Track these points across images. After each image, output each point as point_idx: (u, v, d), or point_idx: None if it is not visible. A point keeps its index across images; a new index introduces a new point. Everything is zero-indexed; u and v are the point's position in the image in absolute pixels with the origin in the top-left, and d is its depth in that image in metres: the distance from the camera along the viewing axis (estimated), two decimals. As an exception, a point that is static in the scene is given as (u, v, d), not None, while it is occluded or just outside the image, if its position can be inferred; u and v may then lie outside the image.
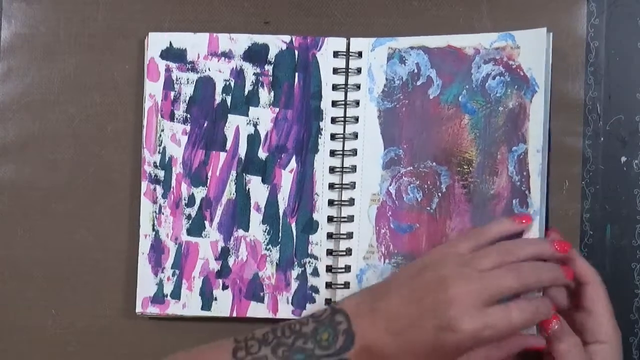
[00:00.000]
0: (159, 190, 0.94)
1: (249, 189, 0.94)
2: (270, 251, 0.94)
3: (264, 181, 0.94)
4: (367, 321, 0.79)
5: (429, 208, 0.93)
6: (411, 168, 0.94)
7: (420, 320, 0.78)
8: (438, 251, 0.84)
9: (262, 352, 0.78)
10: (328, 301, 0.93)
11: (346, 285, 0.94)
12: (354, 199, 0.94)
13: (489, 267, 0.80)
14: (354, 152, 0.94)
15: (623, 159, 0.96)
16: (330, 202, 0.94)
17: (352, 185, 0.94)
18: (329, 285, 0.93)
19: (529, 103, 0.93)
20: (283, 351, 0.77)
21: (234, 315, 0.94)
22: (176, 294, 0.94)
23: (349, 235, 0.94)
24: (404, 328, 0.78)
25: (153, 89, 0.95)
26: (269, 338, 0.79)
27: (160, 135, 0.94)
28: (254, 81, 0.95)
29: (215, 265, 0.94)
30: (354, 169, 0.94)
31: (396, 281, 0.82)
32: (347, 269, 0.94)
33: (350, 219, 0.94)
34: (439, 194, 0.93)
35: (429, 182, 0.94)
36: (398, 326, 0.78)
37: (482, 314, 0.77)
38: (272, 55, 0.95)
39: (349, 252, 0.94)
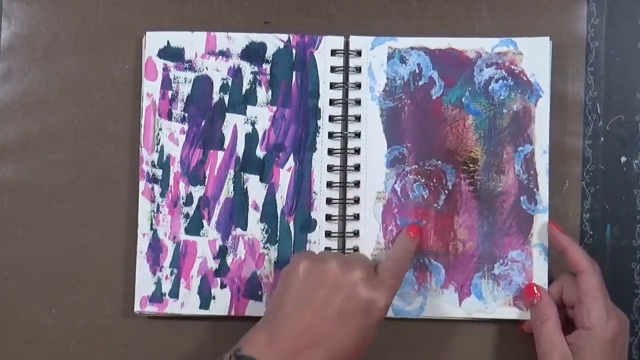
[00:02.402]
0: (157, 189, 0.94)
1: (246, 187, 0.94)
2: (269, 250, 0.94)
3: (261, 180, 0.94)
4: (275, 351, 0.79)
5: (435, 205, 0.94)
6: (416, 166, 0.94)
7: (337, 318, 0.80)
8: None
9: None
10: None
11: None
12: (358, 198, 0.94)
13: None
14: (357, 151, 0.94)
15: (623, 159, 0.96)
16: (329, 201, 0.94)
17: (357, 184, 0.94)
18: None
19: (534, 107, 0.93)
20: None
21: (232, 314, 0.94)
22: (174, 293, 0.94)
23: (356, 234, 0.94)
24: (321, 336, 0.80)
25: (151, 88, 0.95)
26: None
27: (158, 134, 0.94)
28: (251, 80, 0.95)
29: (213, 264, 0.94)
30: (357, 167, 0.94)
31: (283, 302, 0.83)
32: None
33: (356, 217, 0.94)
34: (446, 191, 0.94)
35: (434, 180, 0.94)
36: (315, 337, 0.80)
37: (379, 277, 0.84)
38: (269, 53, 0.95)
39: (356, 250, 0.94)
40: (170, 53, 0.95)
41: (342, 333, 0.80)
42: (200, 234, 0.94)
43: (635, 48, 0.97)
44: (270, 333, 0.80)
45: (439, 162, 0.94)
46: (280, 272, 0.85)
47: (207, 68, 0.95)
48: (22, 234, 0.96)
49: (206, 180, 0.94)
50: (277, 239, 0.94)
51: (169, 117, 0.94)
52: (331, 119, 0.94)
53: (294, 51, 0.95)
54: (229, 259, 0.94)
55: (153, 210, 0.94)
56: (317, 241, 0.94)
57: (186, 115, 0.94)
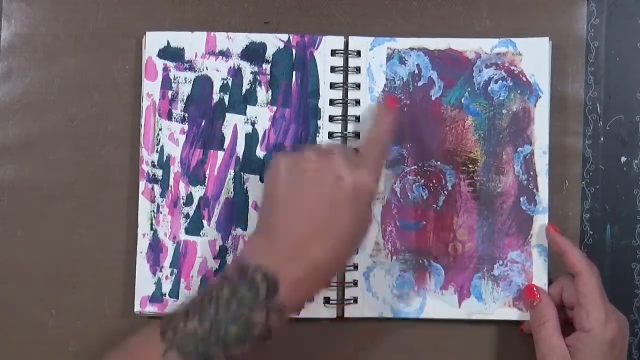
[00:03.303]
0: (157, 189, 0.94)
1: (247, 187, 0.94)
2: (268, 250, 0.94)
3: (262, 180, 0.94)
4: (277, 253, 0.79)
5: (435, 205, 0.94)
6: (415, 167, 0.94)
7: (328, 208, 0.80)
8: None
9: (190, 327, 0.76)
10: (327, 300, 0.93)
11: (354, 283, 0.94)
12: None
13: None
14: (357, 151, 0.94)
15: (623, 159, 0.96)
16: (328, 201, 0.94)
17: None
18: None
19: (534, 107, 0.94)
20: (210, 320, 0.76)
21: (232, 314, 0.94)
22: (174, 293, 0.94)
23: (355, 234, 0.94)
24: (318, 229, 0.79)
25: (151, 88, 0.95)
26: (191, 313, 0.77)
27: (158, 135, 0.94)
28: (251, 80, 0.95)
29: (213, 264, 0.94)
30: (357, 167, 0.94)
31: (273, 206, 0.82)
32: (355, 267, 0.94)
33: None
34: (445, 192, 0.94)
35: (434, 181, 0.94)
36: (312, 232, 0.79)
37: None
38: (269, 53, 0.95)
39: (355, 251, 0.94)
40: (170, 53, 0.95)
41: (337, 221, 0.79)
42: (201, 234, 0.94)
43: (635, 48, 0.97)
44: (267, 238, 0.80)
45: (439, 162, 0.94)
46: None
47: (207, 68, 0.95)
48: (22, 234, 0.96)
49: (206, 180, 0.94)
50: (277, 239, 0.94)
51: (169, 117, 0.94)
52: (331, 119, 0.94)
53: (294, 51, 0.95)
54: (229, 259, 0.94)
55: (153, 211, 0.94)
56: (317, 241, 0.93)
57: (186, 115, 0.94)
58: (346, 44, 0.95)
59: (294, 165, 0.81)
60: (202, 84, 0.95)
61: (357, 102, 0.94)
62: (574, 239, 0.95)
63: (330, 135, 0.94)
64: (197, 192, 0.94)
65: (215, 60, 0.95)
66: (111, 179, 0.96)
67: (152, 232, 0.94)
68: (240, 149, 0.94)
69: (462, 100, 0.94)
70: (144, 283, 0.94)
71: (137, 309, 0.94)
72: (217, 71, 0.95)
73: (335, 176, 0.80)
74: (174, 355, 0.75)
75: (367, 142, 0.86)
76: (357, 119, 0.94)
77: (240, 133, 0.94)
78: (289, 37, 0.95)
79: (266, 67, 0.95)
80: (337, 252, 0.80)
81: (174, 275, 0.94)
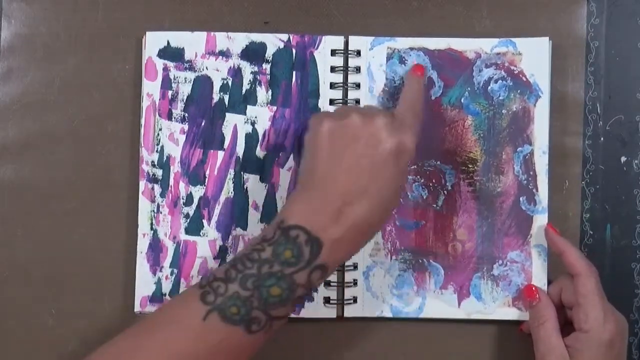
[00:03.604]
0: (157, 189, 0.94)
1: (247, 187, 0.94)
2: (268, 250, 0.94)
3: (262, 180, 0.94)
4: (319, 214, 0.79)
5: (435, 205, 0.94)
6: (415, 166, 0.94)
7: (370, 169, 0.80)
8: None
9: (231, 289, 0.76)
10: (326, 300, 0.93)
11: (354, 282, 0.94)
12: None
13: None
14: (356, 151, 0.94)
15: (623, 159, 0.96)
16: (328, 201, 0.94)
17: None
18: (327, 283, 0.93)
19: (533, 107, 0.94)
20: (252, 282, 0.76)
21: (232, 314, 0.94)
22: (175, 293, 0.93)
23: (355, 233, 0.94)
24: (360, 190, 0.80)
25: (151, 88, 0.95)
26: (232, 275, 0.76)
27: (158, 134, 0.94)
28: (251, 80, 0.95)
29: (213, 264, 0.94)
30: (356, 167, 0.94)
31: (314, 167, 0.82)
32: (355, 266, 0.94)
33: None
34: (445, 192, 0.94)
35: (434, 181, 0.94)
36: (354, 193, 0.79)
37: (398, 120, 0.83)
38: (269, 53, 0.95)
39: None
40: (170, 53, 0.95)
41: (378, 182, 0.80)
42: (201, 234, 0.94)
43: (635, 48, 0.97)
44: (308, 198, 0.80)
45: (438, 162, 0.94)
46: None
47: (207, 68, 0.95)
48: (22, 234, 0.96)
49: (206, 180, 0.94)
50: (277, 239, 0.94)
51: (169, 117, 0.94)
52: (331, 118, 0.94)
53: (294, 51, 0.95)
54: (229, 259, 0.93)
55: (153, 210, 0.94)
56: (317, 241, 0.93)
57: (186, 115, 0.94)
58: (346, 43, 0.95)
59: (337, 128, 0.82)
60: (202, 84, 0.95)
61: (357, 102, 0.94)
62: (573, 239, 0.95)
63: (330, 135, 0.94)
64: (197, 192, 0.94)
65: (215, 60, 0.95)
66: (111, 179, 0.96)
67: (152, 232, 0.94)
68: (240, 149, 0.94)
69: (462, 100, 0.95)
70: (144, 283, 0.94)
71: (137, 309, 0.94)
72: (217, 71, 0.95)
73: (378, 139, 0.80)
74: (215, 318, 0.75)
75: (402, 107, 0.87)
76: (358, 118, 0.94)
77: (240, 133, 0.94)
78: (289, 37, 0.95)
79: (266, 67, 0.95)
80: (378, 212, 0.80)
81: (174, 275, 0.94)
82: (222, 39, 0.95)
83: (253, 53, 0.95)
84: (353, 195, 0.79)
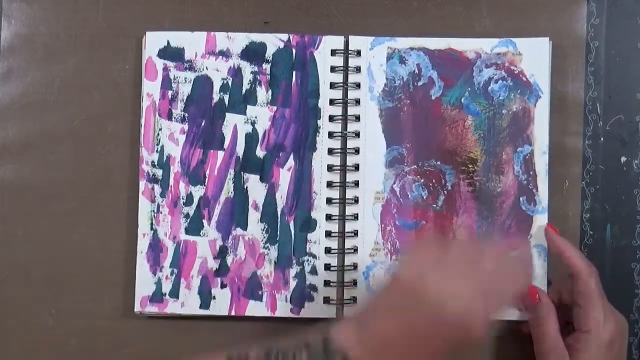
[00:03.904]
0: (157, 189, 0.94)
1: (247, 187, 0.94)
2: (269, 250, 0.94)
3: (262, 180, 0.94)
4: (362, 348, 0.75)
5: (435, 205, 0.94)
6: (415, 167, 0.94)
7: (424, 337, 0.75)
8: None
9: None
10: (326, 300, 0.93)
11: (354, 283, 0.94)
12: (357, 197, 0.94)
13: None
14: (356, 151, 0.94)
15: (623, 159, 0.96)
16: (329, 200, 0.94)
17: (356, 184, 0.94)
18: (327, 283, 0.93)
19: (533, 107, 0.94)
20: None
21: (233, 313, 0.94)
22: (175, 293, 0.94)
23: (355, 234, 0.94)
24: (404, 346, 0.75)
25: (151, 88, 0.95)
26: None
27: (158, 134, 0.94)
28: (251, 80, 0.95)
29: (213, 264, 0.94)
30: (356, 167, 0.94)
31: (381, 300, 0.78)
32: (354, 266, 0.94)
33: (355, 217, 0.94)
34: (445, 192, 0.94)
35: (434, 181, 0.94)
36: (400, 345, 0.75)
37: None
38: (269, 53, 0.95)
39: (355, 250, 0.94)
40: (170, 53, 0.95)
41: (426, 350, 0.74)
42: (201, 234, 0.94)
43: (635, 48, 0.97)
44: (359, 330, 0.75)
45: (438, 162, 0.94)
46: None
47: (207, 68, 0.95)
48: (22, 234, 0.96)
49: (206, 180, 0.94)
50: (277, 238, 0.94)
51: (169, 117, 0.94)
52: (331, 118, 0.94)
53: (294, 51, 0.95)
54: (229, 259, 0.94)
55: (153, 210, 0.94)
56: (317, 241, 0.93)
57: (186, 115, 0.94)
58: (346, 43, 0.95)
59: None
60: (202, 83, 0.95)
61: (357, 102, 0.94)
62: (574, 239, 0.94)
63: (331, 134, 0.94)
64: (197, 192, 0.94)
65: (215, 60, 0.95)
66: (111, 179, 0.96)
67: (152, 232, 0.94)
68: (240, 149, 0.94)
69: (462, 100, 0.95)
70: (144, 283, 0.94)
71: (137, 308, 0.94)
72: (217, 71, 0.95)
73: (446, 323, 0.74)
74: None
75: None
76: (357, 118, 0.94)
77: (240, 133, 0.94)
78: (289, 37, 0.95)
79: (266, 67, 0.95)
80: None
81: (174, 275, 0.94)
82: (222, 39, 0.95)
83: (253, 53, 0.95)
84: (402, 348, 0.74)
